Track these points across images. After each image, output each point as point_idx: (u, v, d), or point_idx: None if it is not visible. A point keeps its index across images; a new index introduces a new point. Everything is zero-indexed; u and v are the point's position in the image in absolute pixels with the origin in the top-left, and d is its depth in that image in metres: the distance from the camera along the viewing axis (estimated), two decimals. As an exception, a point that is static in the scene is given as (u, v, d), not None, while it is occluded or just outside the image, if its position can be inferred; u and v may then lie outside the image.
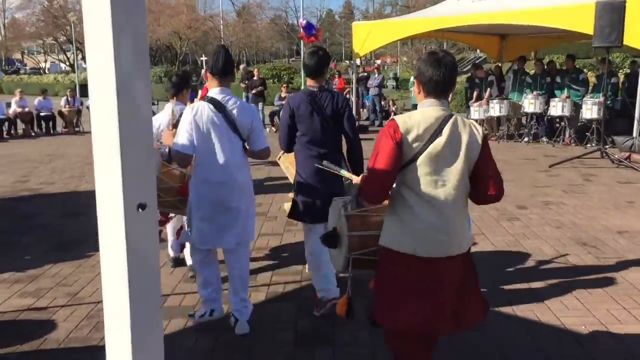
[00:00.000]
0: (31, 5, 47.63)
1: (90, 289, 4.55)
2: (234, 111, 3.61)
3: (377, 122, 17.25)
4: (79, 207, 7.25)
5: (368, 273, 2.90)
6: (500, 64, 15.44)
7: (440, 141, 2.55)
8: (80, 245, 5.68)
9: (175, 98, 4.65)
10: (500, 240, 5.60)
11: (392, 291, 2.67)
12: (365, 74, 19.84)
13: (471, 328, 2.87)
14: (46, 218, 6.84)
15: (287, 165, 5.03)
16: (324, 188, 3.85)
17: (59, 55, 52.68)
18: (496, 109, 12.71)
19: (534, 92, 12.34)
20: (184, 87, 4.71)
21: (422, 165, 2.56)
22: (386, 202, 2.73)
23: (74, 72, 38.64)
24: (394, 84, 35.09)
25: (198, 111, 3.57)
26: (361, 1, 48.74)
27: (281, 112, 4.36)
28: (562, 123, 12.03)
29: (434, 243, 2.56)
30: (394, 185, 2.64)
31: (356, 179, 2.92)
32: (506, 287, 4.42)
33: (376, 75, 18.09)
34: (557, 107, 11.82)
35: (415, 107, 12.74)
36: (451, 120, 2.59)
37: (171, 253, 5.03)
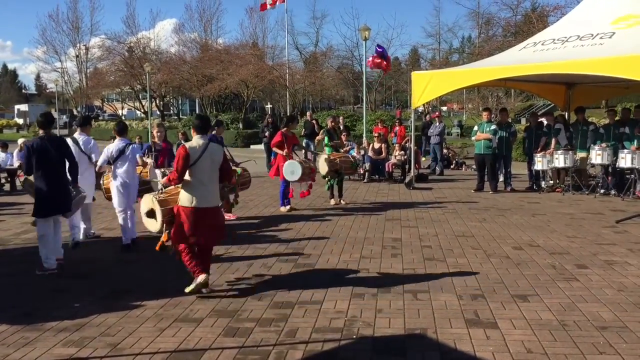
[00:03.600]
0: (111, 56, 50.54)
1: (132, 339, 4.60)
2: (81, 142, 8.07)
3: (437, 171, 17.02)
4: (133, 254, 7.44)
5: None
6: (565, 113, 15.01)
7: (205, 154, 5.57)
8: (129, 294, 5.80)
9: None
10: (555, 303, 5.29)
11: (185, 227, 5.55)
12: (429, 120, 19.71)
13: (220, 242, 6.27)
14: (101, 265, 7.04)
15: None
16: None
17: (135, 103, 55.35)
18: (560, 160, 12.30)
19: (603, 144, 11.87)
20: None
21: (198, 166, 5.54)
22: (178, 187, 5.73)
23: (148, 118, 40.40)
24: (459, 131, 34.68)
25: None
26: (428, 49, 48.60)
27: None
28: (632, 175, 11.47)
29: (205, 201, 5.58)
30: (187, 176, 5.55)
31: (163, 180, 6.10)
32: (555, 352, 4.14)
33: (437, 123, 17.93)
34: (627, 159, 11.29)
35: (478, 155, 12.56)
36: (209, 145, 5.67)
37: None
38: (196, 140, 5.63)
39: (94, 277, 6.52)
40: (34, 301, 5.65)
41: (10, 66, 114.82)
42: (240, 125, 36.83)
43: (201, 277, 5.50)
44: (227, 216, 9.80)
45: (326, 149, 11.63)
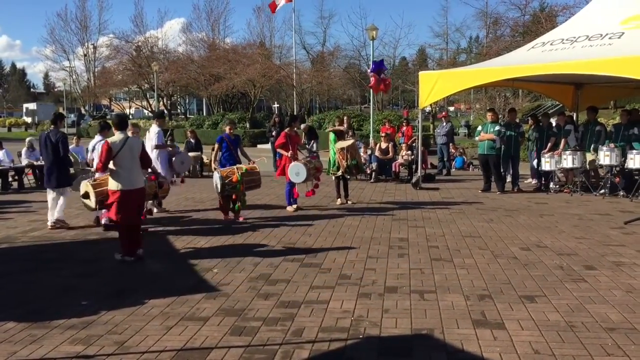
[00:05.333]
0: (119, 55, 50.73)
1: (138, 338, 4.60)
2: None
3: (444, 172, 16.98)
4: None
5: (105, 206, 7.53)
6: (573, 114, 14.94)
7: (125, 147, 6.91)
8: (136, 292, 5.81)
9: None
10: (563, 304, 5.26)
11: (115, 207, 6.90)
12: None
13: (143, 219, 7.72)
14: (108, 263, 7.06)
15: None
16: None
17: (143, 102, 55.53)
18: (569, 160, 12.24)
19: (611, 144, 11.81)
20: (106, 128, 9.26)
21: (120, 156, 6.86)
22: (106, 174, 7.25)
23: (155, 117, 40.40)
24: (466, 131, 34.60)
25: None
26: (435, 49, 48.38)
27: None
28: (641, 176, 11.40)
29: (130, 184, 6.92)
30: (112, 165, 6.89)
31: (92, 169, 8.41)
32: (563, 354, 4.12)
33: (444, 123, 17.89)
34: (635, 160, 11.22)
35: (481, 156, 12.55)
36: (129, 138, 7.05)
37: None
38: (117, 136, 7.03)
39: (100, 275, 6.53)
40: (42, 299, 5.67)
41: (19, 65, 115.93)
42: (247, 125, 36.86)
43: (128, 258, 7.04)
44: (230, 215, 9.80)
45: (331, 147, 11.53)
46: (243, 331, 4.71)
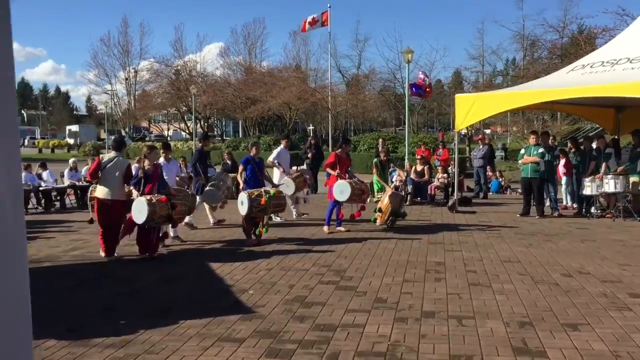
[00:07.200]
0: (159, 79, 51.97)
1: (175, 358, 4.62)
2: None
3: (481, 195, 16.75)
4: (178, 272, 7.54)
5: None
6: (617, 137, 14.63)
7: (112, 163, 8.47)
8: (173, 312, 5.85)
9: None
10: (608, 333, 5.08)
11: (100, 212, 8.51)
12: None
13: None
14: (145, 282, 7.15)
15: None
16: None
17: (180, 124, 56.58)
18: (610, 184, 11.95)
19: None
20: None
21: (107, 170, 8.44)
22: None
23: (192, 139, 41.15)
24: (503, 154, 34.14)
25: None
26: (471, 72, 48.02)
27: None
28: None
29: (115, 195, 8.42)
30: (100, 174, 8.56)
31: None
32: (610, 388, 3.98)
33: (481, 146, 17.71)
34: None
35: (524, 179, 12.39)
36: (117, 157, 8.61)
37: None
38: (109, 155, 8.75)
39: (138, 295, 6.61)
40: (81, 317, 5.76)
41: (63, 88, 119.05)
42: (283, 147, 37.05)
43: (104, 255, 8.51)
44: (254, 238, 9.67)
45: (375, 185, 11.64)
46: (279, 353, 4.69)
